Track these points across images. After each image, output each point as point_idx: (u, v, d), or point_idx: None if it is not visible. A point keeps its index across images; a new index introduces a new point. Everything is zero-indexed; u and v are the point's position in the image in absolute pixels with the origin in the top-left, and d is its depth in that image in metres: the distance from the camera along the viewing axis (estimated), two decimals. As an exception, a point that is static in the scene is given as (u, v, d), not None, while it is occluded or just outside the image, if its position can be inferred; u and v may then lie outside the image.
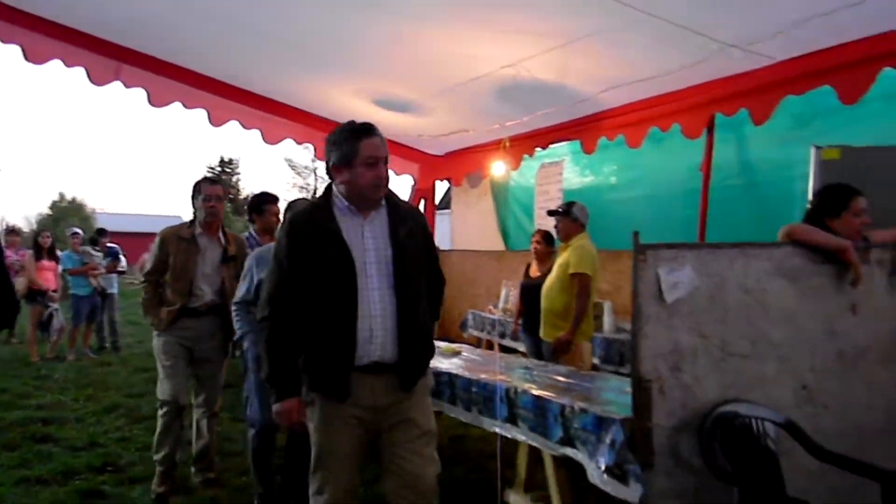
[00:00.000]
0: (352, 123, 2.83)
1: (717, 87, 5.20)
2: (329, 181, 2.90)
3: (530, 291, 5.77)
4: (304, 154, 48.75)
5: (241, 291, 4.09)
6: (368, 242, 2.76)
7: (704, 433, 2.76)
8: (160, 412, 4.39)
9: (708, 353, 2.96)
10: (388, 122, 7.23)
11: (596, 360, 5.58)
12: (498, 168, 7.61)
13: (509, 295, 7.87)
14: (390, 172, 8.71)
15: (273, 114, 6.99)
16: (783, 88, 4.74)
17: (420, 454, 2.77)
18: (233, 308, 4.13)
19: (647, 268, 2.90)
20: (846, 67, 4.36)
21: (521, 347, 6.46)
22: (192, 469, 4.62)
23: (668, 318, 2.90)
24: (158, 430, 4.39)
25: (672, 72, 5.10)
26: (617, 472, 2.76)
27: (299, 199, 4.22)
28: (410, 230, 2.84)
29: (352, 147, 2.74)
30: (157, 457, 4.39)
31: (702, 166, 5.66)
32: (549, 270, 5.48)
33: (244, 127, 6.81)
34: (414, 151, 8.63)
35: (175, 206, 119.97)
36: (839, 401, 3.19)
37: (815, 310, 3.16)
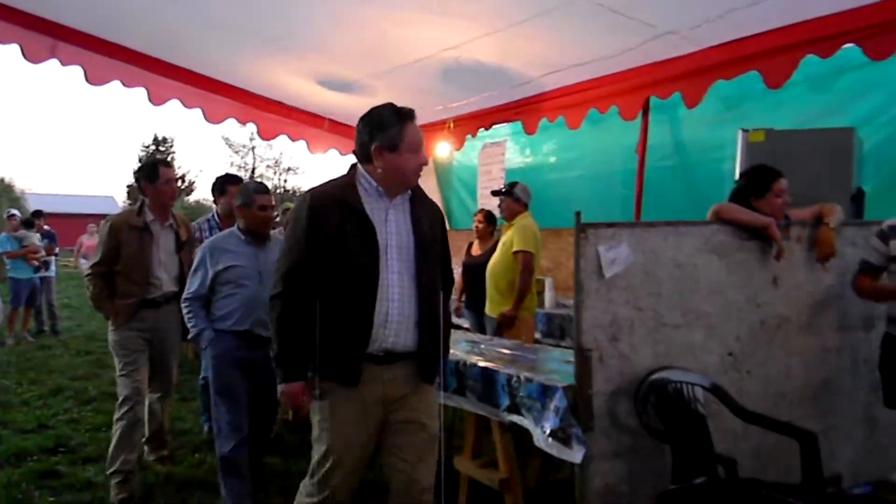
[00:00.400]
0: (393, 106, 2.74)
1: (653, 71, 5.42)
2: (355, 161, 2.80)
3: (472, 269, 5.94)
4: (242, 133, 47.89)
5: (193, 285, 3.80)
6: (391, 226, 2.70)
7: (640, 397, 2.97)
8: (121, 411, 4.09)
9: (643, 324, 3.18)
10: (332, 102, 7.28)
11: (538, 335, 5.79)
12: (442, 149, 7.74)
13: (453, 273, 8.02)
14: (336, 153, 8.69)
15: (215, 93, 6.93)
16: (714, 73, 4.98)
17: (425, 460, 2.72)
18: (184, 305, 3.83)
19: (587, 245, 3.09)
20: (771, 53, 4.61)
21: (465, 324, 6.64)
22: (146, 448, 4.61)
23: (606, 292, 3.11)
24: (117, 436, 4.07)
25: (610, 56, 5.29)
26: (561, 435, 2.96)
27: (250, 182, 4.20)
28: (431, 222, 2.82)
29: (399, 131, 2.67)
30: (111, 468, 4.05)
31: (638, 147, 5.90)
32: (492, 249, 5.66)
33: (185, 106, 6.75)
34: (346, 127, 8.70)
35: (107, 186, 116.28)
36: (762, 366, 3.46)
37: (740, 283, 3.41)
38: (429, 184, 9.72)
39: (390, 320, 2.63)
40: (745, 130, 4.51)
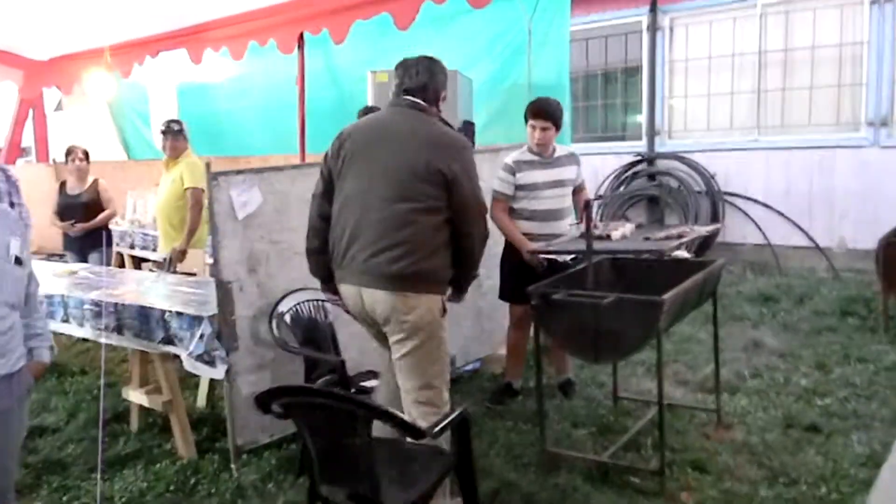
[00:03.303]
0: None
1: (304, 6, 5.85)
2: (414, 99, 2.98)
3: (72, 209, 6.01)
4: None
5: None
6: None
7: (273, 317, 3.50)
8: None
9: (279, 255, 3.70)
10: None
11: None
12: (107, 77, 7.52)
13: (136, 205, 7.99)
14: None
15: None
16: (353, 12, 5.54)
17: None
18: None
19: (220, 191, 3.46)
20: (399, -3, 5.24)
21: (154, 256, 6.71)
22: None
23: (242, 230, 3.55)
24: None
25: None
26: (206, 358, 3.42)
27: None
28: None
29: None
30: None
31: (297, 80, 6.33)
32: (92, 187, 5.98)
33: None
34: (12, 56, 8.07)
35: None
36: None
37: (362, 211, 4.05)
38: (102, 113, 9.34)
39: None
40: (372, 72, 5.13)
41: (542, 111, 4.06)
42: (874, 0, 6.99)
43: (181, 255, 5.34)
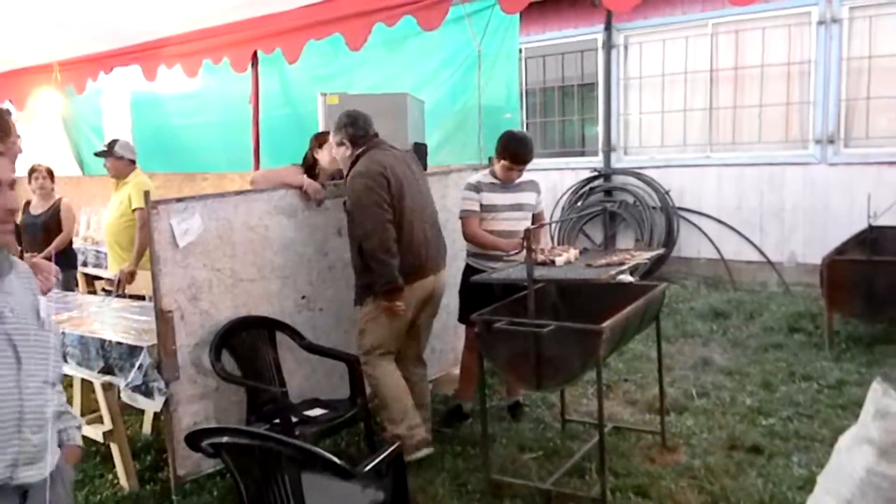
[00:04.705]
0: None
1: (257, 26, 5.81)
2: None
3: (34, 228, 5.91)
4: None
5: None
6: None
7: (214, 346, 3.47)
8: None
9: (222, 282, 3.66)
10: None
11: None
12: (57, 94, 7.41)
13: (90, 222, 7.88)
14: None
15: None
16: (307, 32, 5.50)
17: None
18: None
19: (160, 219, 3.41)
20: (350, 17, 5.23)
21: (106, 274, 6.59)
22: None
23: (183, 259, 3.50)
24: None
25: (220, 9, 5.60)
26: (144, 389, 3.37)
27: None
28: None
29: None
30: None
31: (251, 98, 6.30)
32: (53, 208, 5.84)
33: None
34: (-43, 70, 7.91)
35: None
36: (331, 303, 4.17)
37: (309, 236, 4.04)
38: (56, 129, 9.19)
39: None
40: (323, 94, 5.12)
41: (526, 158, 4.17)
42: (821, 21, 7.16)
43: (129, 276, 5.27)
